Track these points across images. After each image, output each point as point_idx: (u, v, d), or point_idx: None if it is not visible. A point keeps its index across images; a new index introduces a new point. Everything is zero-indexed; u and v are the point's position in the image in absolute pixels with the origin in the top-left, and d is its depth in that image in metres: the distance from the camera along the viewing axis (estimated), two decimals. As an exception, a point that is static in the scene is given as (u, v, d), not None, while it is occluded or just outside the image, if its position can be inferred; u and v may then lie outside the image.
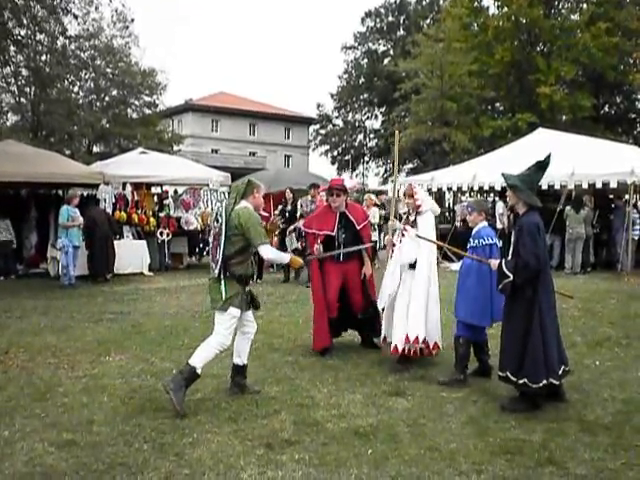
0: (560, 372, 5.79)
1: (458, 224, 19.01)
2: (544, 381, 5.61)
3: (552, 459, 4.65)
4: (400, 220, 7.68)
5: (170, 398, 5.52)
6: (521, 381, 5.67)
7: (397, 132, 8.54)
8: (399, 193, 7.68)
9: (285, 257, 6.44)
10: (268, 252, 6.00)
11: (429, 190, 19.78)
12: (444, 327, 7.73)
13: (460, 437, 5.12)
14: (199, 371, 5.76)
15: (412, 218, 7.33)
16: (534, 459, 4.67)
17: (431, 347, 7.09)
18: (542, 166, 5.96)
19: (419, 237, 6.96)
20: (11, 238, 14.82)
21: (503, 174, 6.08)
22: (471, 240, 6.68)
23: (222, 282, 5.85)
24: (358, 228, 7.87)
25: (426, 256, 7.08)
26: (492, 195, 22.97)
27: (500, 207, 17.34)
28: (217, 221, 5.95)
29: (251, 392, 6.16)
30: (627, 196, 15.71)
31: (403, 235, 7.22)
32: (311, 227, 8.11)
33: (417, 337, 6.89)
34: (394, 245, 7.37)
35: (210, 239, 6.17)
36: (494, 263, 5.96)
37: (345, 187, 7.98)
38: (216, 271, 5.89)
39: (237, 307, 5.87)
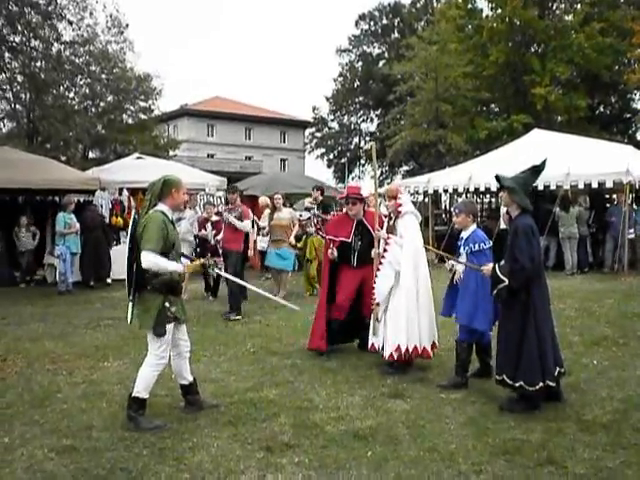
0: (555, 374, 5.80)
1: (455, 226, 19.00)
2: (540, 384, 5.63)
3: (551, 459, 4.67)
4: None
5: (144, 429, 5.34)
6: (517, 384, 5.69)
7: (373, 144, 8.52)
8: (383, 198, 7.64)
9: (174, 267, 5.36)
10: (147, 259, 5.19)
11: (425, 192, 19.85)
12: (442, 329, 7.77)
13: (459, 438, 5.13)
14: (143, 396, 5.45)
15: (392, 222, 7.36)
16: (533, 459, 4.68)
17: (420, 351, 7.04)
18: (537, 170, 6.02)
19: (427, 249, 6.97)
20: None
21: (498, 175, 6.07)
22: (472, 245, 6.54)
23: (132, 303, 5.39)
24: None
25: (411, 260, 7.08)
26: (488, 196, 23.00)
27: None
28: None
29: (210, 406, 5.89)
30: (623, 195, 15.69)
31: (387, 243, 7.23)
32: (329, 233, 8.25)
33: (407, 348, 6.92)
34: (383, 256, 7.29)
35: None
36: (487, 269, 5.95)
37: (362, 195, 8.07)
38: (126, 290, 5.42)
39: (167, 323, 5.38)
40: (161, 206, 5.47)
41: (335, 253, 7.97)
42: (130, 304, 5.45)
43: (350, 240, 7.97)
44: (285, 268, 12.87)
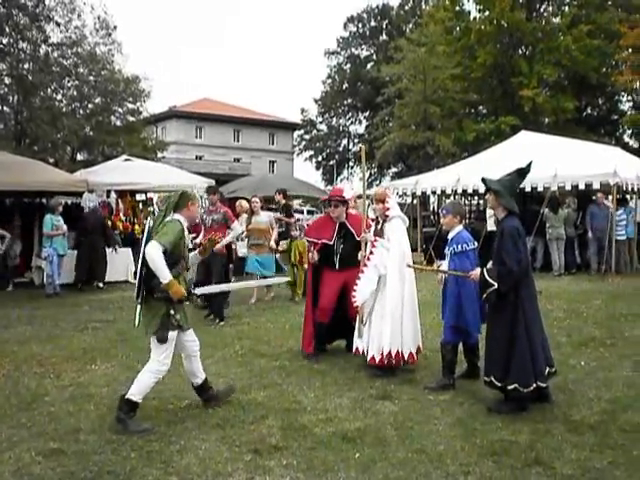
0: (546, 374, 5.82)
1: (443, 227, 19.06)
2: (534, 385, 5.65)
3: (539, 459, 4.68)
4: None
5: (132, 432, 5.31)
6: (511, 387, 5.68)
7: (363, 147, 8.53)
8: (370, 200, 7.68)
9: (165, 274, 5.28)
10: (151, 251, 5.24)
11: (413, 194, 19.88)
12: (430, 331, 7.78)
13: (447, 439, 5.14)
14: (136, 399, 5.44)
15: (379, 226, 7.34)
16: (521, 460, 4.69)
17: (406, 357, 7.00)
18: (522, 173, 6.06)
19: (409, 266, 7.01)
20: None
21: (484, 179, 6.10)
22: (455, 246, 6.54)
23: (140, 306, 5.47)
24: (358, 239, 7.68)
25: (397, 264, 7.04)
26: (477, 198, 23.07)
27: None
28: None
29: (228, 392, 6.10)
30: (610, 197, 15.78)
31: (374, 246, 7.21)
32: (310, 235, 8.28)
33: (390, 351, 6.90)
34: (368, 259, 7.26)
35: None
36: (475, 275, 5.94)
37: (344, 198, 8.00)
38: (134, 293, 5.49)
39: (170, 330, 5.46)
40: (178, 216, 5.64)
41: (316, 257, 7.94)
42: (138, 307, 5.51)
43: (332, 242, 7.93)
44: (267, 274, 12.62)
